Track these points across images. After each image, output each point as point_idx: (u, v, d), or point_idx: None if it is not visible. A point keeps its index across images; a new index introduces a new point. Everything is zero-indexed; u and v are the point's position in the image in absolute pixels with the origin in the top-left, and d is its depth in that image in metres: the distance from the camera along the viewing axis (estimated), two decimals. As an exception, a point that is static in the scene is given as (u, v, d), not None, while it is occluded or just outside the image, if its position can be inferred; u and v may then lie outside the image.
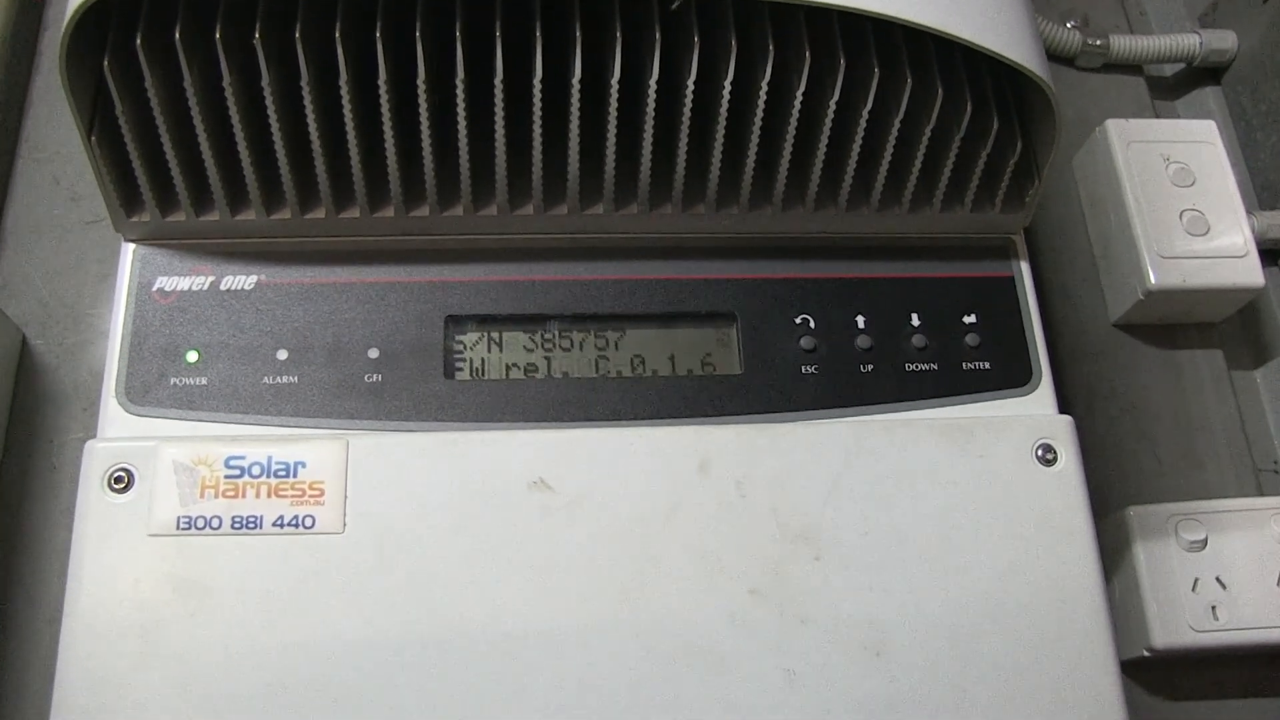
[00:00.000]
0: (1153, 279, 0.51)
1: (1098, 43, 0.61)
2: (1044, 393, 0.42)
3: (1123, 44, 0.61)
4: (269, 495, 0.38)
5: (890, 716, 0.37)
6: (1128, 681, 0.48)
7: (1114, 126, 0.55)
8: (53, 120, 0.54)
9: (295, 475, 0.38)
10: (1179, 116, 0.63)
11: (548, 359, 0.41)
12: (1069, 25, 0.61)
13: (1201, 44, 0.61)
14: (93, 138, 0.37)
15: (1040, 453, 0.40)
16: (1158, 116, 0.61)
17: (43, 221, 0.52)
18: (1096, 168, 0.55)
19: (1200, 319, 0.56)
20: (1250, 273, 0.52)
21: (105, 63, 0.35)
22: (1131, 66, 0.62)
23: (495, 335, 0.41)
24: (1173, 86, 0.64)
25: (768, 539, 0.38)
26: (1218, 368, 0.55)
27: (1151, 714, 0.48)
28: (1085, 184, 0.57)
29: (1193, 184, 0.54)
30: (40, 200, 0.53)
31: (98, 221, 0.53)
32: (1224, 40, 0.61)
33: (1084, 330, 0.55)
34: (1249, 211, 0.54)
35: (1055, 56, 0.61)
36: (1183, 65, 0.63)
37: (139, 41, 0.35)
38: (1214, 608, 0.46)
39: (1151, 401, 0.54)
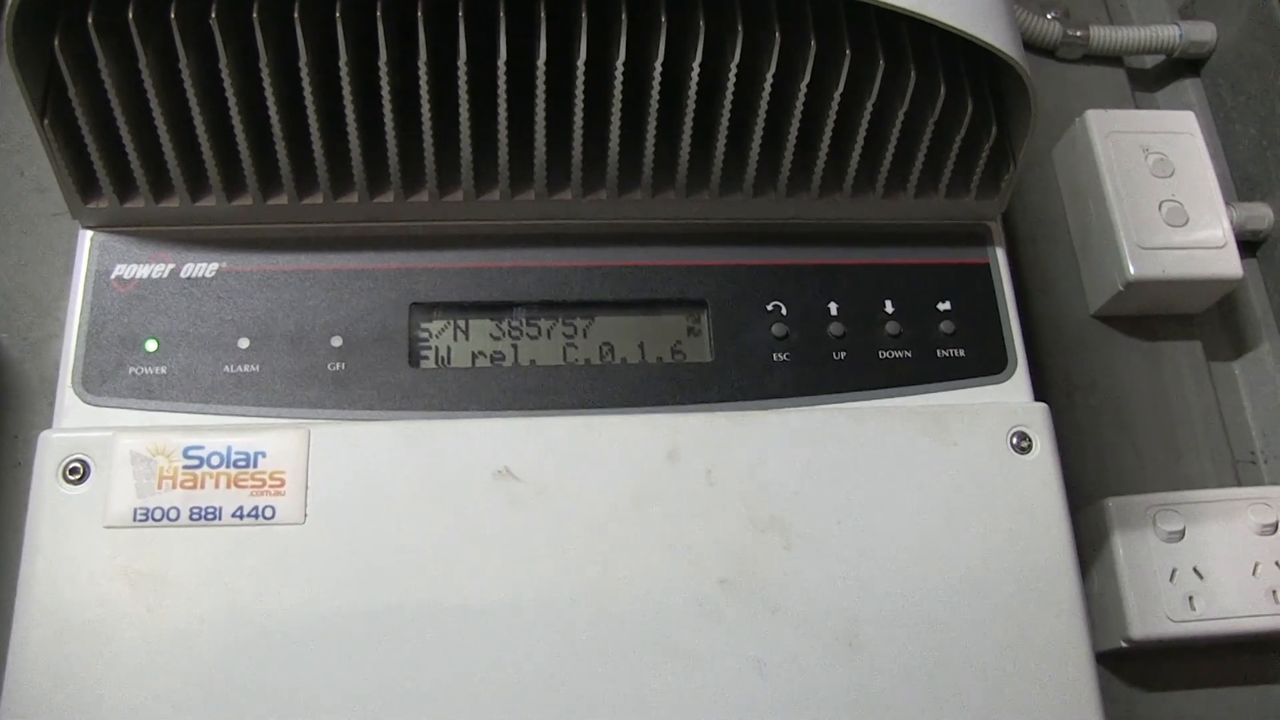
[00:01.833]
0: (1132, 270, 0.51)
1: (1078, 34, 0.60)
2: (1019, 380, 0.42)
3: (1103, 35, 0.60)
4: (228, 486, 0.37)
5: (863, 708, 0.36)
6: (1106, 673, 0.48)
7: (1093, 117, 0.54)
8: (16, 109, 0.53)
9: (255, 465, 0.37)
10: (1159, 108, 0.62)
11: (515, 347, 0.40)
12: (1049, 16, 0.61)
13: (1181, 36, 0.60)
14: (45, 121, 0.36)
15: (1015, 440, 0.40)
16: (1138, 108, 0.61)
17: (7, 213, 0.51)
18: (1076, 158, 0.55)
19: (1179, 310, 0.55)
20: (1229, 264, 0.52)
21: (55, 42, 0.34)
22: (1111, 58, 0.62)
23: (461, 323, 0.41)
24: (1153, 78, 0.63)
25: (738, 528, 0.38)
26: (1197, 359, 0.55)
27: (1129, 705, 0.48)
28: (1065, 175, 0.57)
29: (1172, 175, 0.53)
30: (4, 191, 0.52)
31: (63, 214, 0.52)
32: (1203, 32, 0.60)
33: (1063, 322, 0.55)
34: (1228, 203, 0.54)
35: (1036, 47, 0.61)
36: (1163, 57, 0.63)
37: (90, 20, 0.34)
38: (1191, 598, 0.46)
39: (1130, 393, 0.54)
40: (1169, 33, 0.60)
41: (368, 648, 0.36)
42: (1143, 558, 0.47)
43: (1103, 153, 0.53)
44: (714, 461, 0.38)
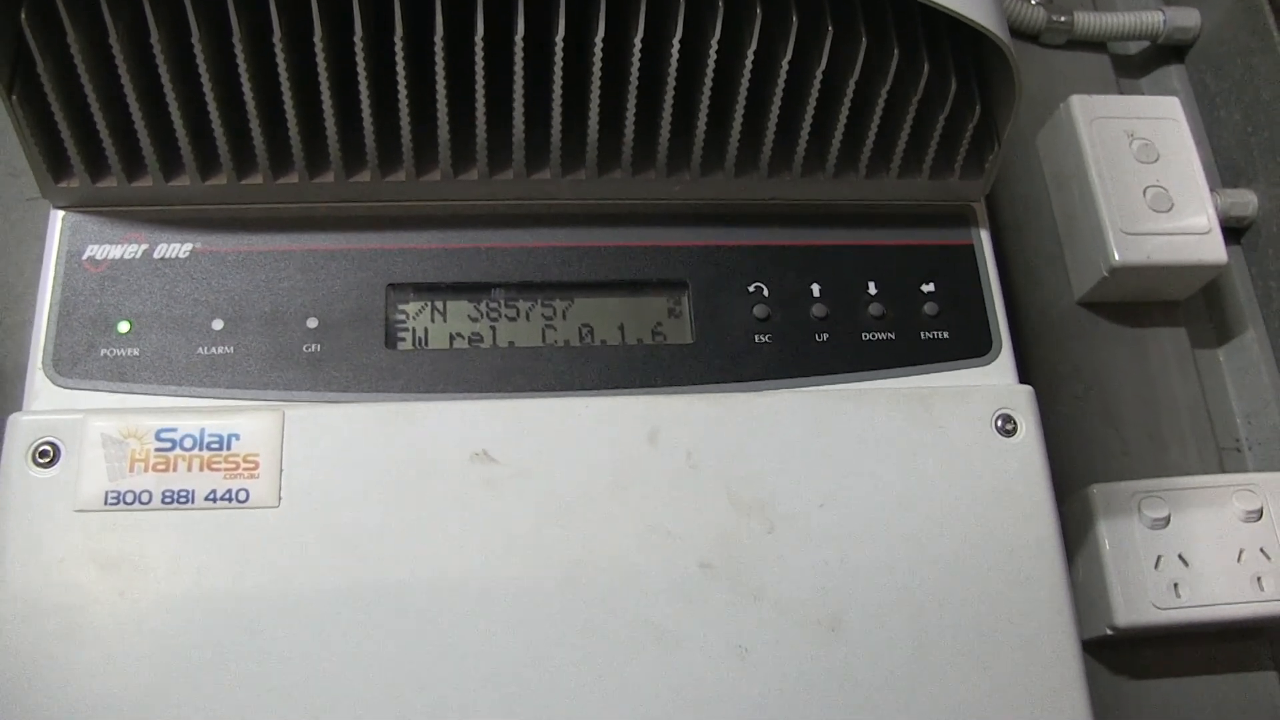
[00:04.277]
0: (1117, 256, 0.51)
1: (1062, 19, 0.60)
2: (1004, 363, 0.41)
3: (1087, 21, 0.60)
4: (201, 469, 0.36)
5: (845, 693, 0.36)
6: (1091, 660, 0.48)
7: (1078, 103, 0.54)
8: (-11, 92, 0.53)
9: (229, 448, 0.37)
10: (1143, 94, 0.62)
11: (493, 328, 0.40)
12: (1033, 2, 0.60)
13: (1165, 22, 0.60)
14: (13, 97, 0.36)
15: (1000, 423, 0.40)
16: (1122, 94, 0.61)
17: (-20, 197, 0.51)
18: (1061, 144, 0.55)
19: (1164, 297, 0.55)
20: (1214, 250, 0.52)
21: (22, 15, 0.34)
22: (1096, 44, 0.62)
23: (438, 304, 0.40)
24: (1137, 64, 0.63)
25: (719, 511, 0.37)
26: (1181, 346, 0.55)
27: (1115, 692, 0.48)
28: (1049, 161, 0.57)
29: (1156, 160, 0.53)
30: (-23, 176, 0.51)
31: (39, 198, 0.51)
32: (1187, 18, 0.60)
33: (1048, 309, 0.55)
34: (1212, 189, 0.54)
35: (1020, 33, 0.61)
36: (1147, 43, 0.62)
37: (59, -8, 0.33)
38: (1176, 585, 0.46)
39: (1115, 380, 0.54)
40: (1153, 18, 0.60)
41: (343, 631, 0.35)
42: (1128, 545, 0.46)
43: (1087, 138, 0.53)
44: (695, 444, 0.38)
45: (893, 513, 0.38)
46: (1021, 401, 0.40)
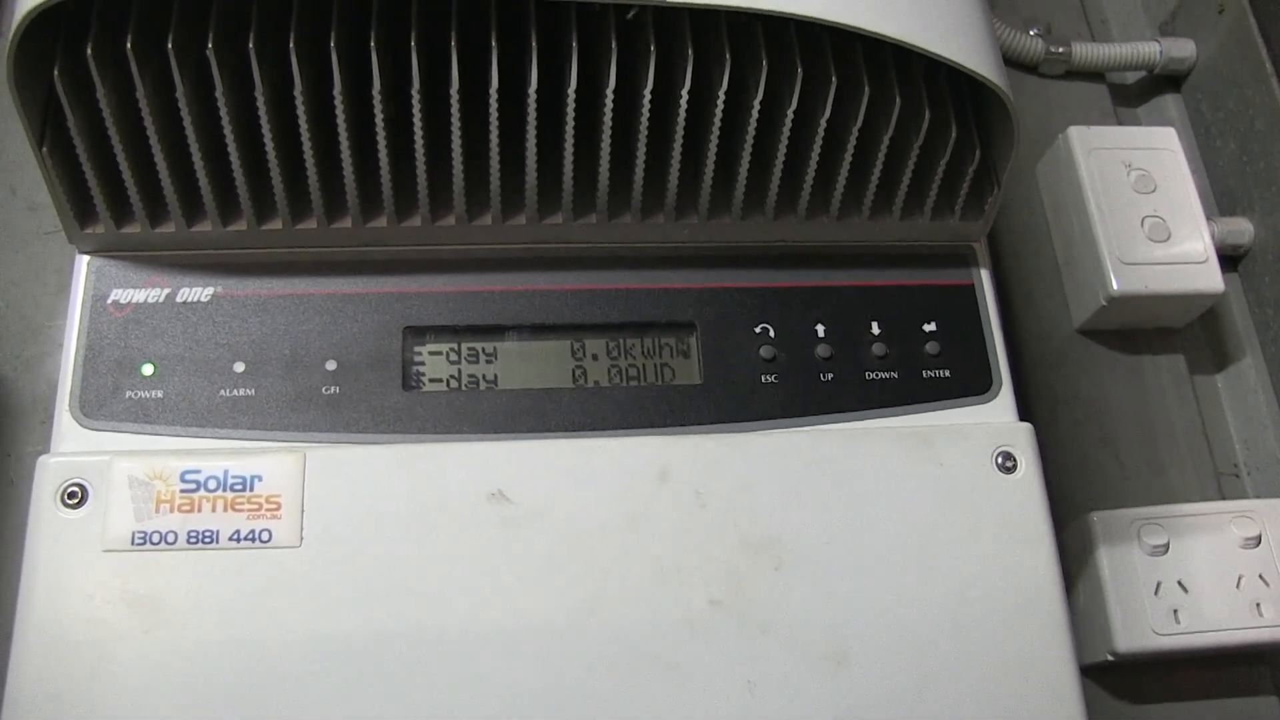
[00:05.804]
0: (1115, 285, 0.52)
1: (1060, 50, 0.61)
2: (1004, 400, 0.42)
3: (1085, 52, 0.61)
4: (225, 509, 0.37)
5: (851, 726, 0.37)
6: (1092, 685, 0.48)
7: (1076, 134, 0.55)
8: (8, 129, 0.54)
9: (251, 489, 0.38)
10: (1140, 123, 0.63)
11: (506, 370, 0.41)
12: (1032, 33, 0.61)
13: (1161, 52, 0.61)
14: (44, 149, 0.37)
15: (1000, 460, 0.40)
16: (1120, 123, 0.62)
17: (-1, 232, 0.52)
18: (1059, 175, 0.56)
19: (1162, 324, 0.56)
20: (1210, 278, 0.52)
21: (55, 72, 0.35)
22: (1094, 74, 0.63)
23: (454, 346, 0.41)
24: (1134, 94, 0.64)
25: (728, 549, 0.38)
26: (1179, 373, 0.56)
27: (1115, 717, 0.49)
28: (1048, 191, 0.57)
29: (1154, 190, 0.54)
30: (-3, 211, 0.52)
31: (56, 232, 0.52)
32: (1183, 49, 0.61)
33: (1048, 336, 0.56)
34: (1208, 217, 0.55)
35: (1018, 64, 0.62)
36: (1144, 73, 0.63)
37: (90, 51, 0.34)
38: (1176, 611, 0.47)
39: (1114, 407, 0.54)
40: (1149, 49, 0.61)
41: (363, 669, 0.36)
42: (1127, 571, 0.47)
43: (1085, 169, 0.54)
44: (704, 483, 0.39)
45: (896, 548, 0.39)
46: (1021, 439, 0.41)
